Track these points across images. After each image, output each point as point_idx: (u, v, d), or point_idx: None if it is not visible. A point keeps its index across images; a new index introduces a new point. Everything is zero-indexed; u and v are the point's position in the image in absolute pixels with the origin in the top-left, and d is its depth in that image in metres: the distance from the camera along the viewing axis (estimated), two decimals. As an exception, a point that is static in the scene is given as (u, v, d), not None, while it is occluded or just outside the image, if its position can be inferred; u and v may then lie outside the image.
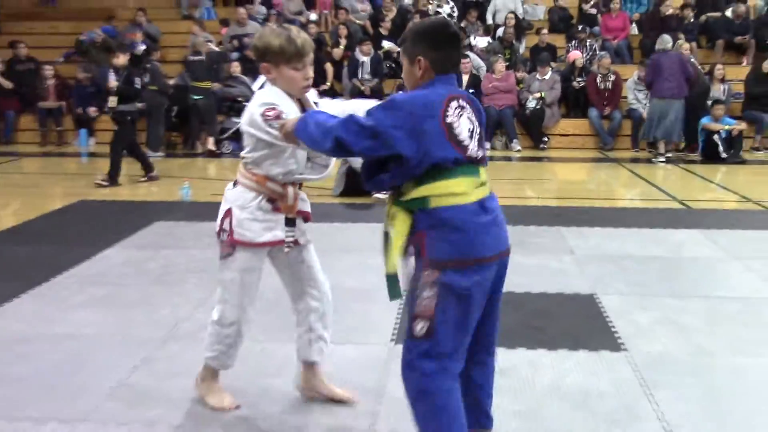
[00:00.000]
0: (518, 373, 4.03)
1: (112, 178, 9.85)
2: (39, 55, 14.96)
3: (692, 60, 12.62)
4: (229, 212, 3.30)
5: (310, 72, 3.27)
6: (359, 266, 5.99)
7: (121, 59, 10.08)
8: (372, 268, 5.94)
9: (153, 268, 5.94)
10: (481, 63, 14.12)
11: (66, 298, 5.23)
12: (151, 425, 3.44)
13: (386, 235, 2.92)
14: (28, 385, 3.85)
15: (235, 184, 3.36)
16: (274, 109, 3.15)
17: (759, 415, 3.60)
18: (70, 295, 5.28)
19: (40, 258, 6.23)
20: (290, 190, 3.34)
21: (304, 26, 15.31)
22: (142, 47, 14.47)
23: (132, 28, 15.32)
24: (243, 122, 3.26)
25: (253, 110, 3.21)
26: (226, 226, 3.31)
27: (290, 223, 3.36)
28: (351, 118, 2.76)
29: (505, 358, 4.21)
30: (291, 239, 3.36)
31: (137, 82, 10.04)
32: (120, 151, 9.97)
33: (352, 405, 3.62)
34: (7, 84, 14.16)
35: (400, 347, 4.29)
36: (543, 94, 13.40)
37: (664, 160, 12.26)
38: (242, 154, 3.33)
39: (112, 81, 9.90)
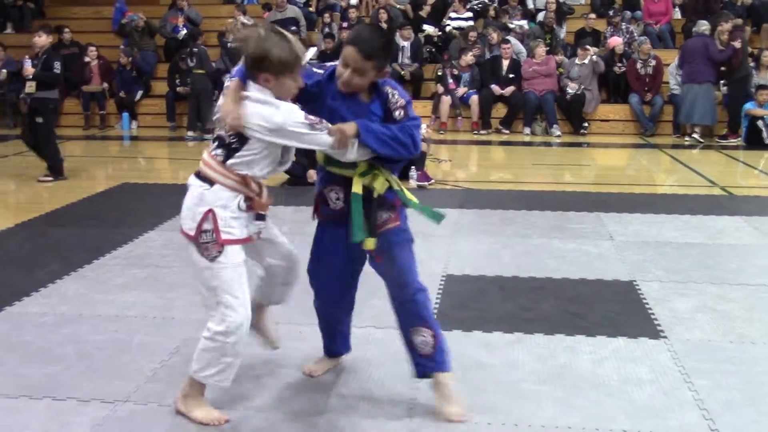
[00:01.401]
0: (556, 360, 4.03)
1: (56, 170, 9.17)
2: (82, 40, 15.11)
3: (733, 43, 12.43)
4: (209, 213, 3.19)
5: (301, 80, 3.24)
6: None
7: (42, 40, 9.10)
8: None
9: (194, 251, 5.99)
10: (521, 48, 14.03)
11: (108, 279, 5.31)
12: (191, 406, 3.49)
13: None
14: (71, 366, 3.92)
15: (205, 181, 3.26)
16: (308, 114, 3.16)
17: (800, 404, 3.57)
18: (113, 277, 5.36)
19: (83, 240, 6.32)
20: (264, 188, 3.35)
21: (344, 11, 15.35)
22: (183, 31, 14.62)
23: (173, 12, 15.42)
24: (252, 126, 3.13)
25: (274, 114, 3.12)
26: (208, 226, 3.19)
27: (261, 217, 3.36)
28: (406, 124, 3.30)
29: (543, 345, 4.22)
30: (258, 232, 3.37)
31: (57, 67, 8.98)
32: (52, 143, 9.23)
33: (390, 390, 3.63)
34: (52, 68, 14.33)
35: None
36: (582, 88, 13.30)
37: (689, 141, 12.42)
38: (233, 157, 3.20)
39: (28, 67, 8.92)
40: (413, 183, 8.66)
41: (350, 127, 3.19)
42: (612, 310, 4.78)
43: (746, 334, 4.39)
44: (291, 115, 3.13)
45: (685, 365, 3.95)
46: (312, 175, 8.51)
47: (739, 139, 12.52)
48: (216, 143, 3.25)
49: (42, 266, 5.56)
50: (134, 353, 4.07)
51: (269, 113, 3.11)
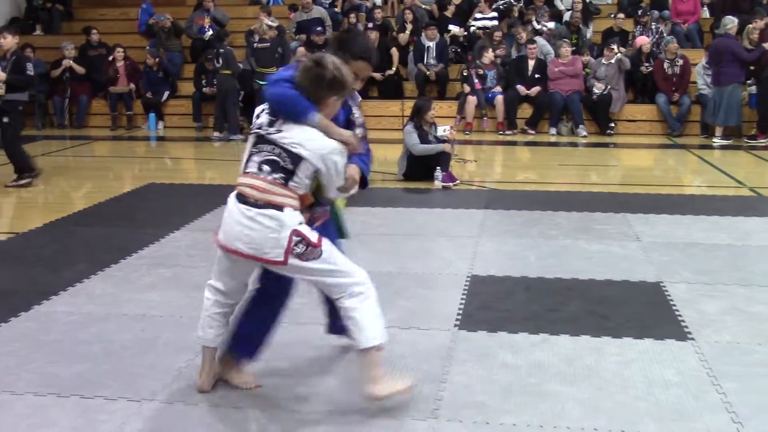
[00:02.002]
0: (582, 361, 4.01)
1: (26, 170, 8.88)
2: (109, 41, 15.22)
3: (765, 45, 12.33)
4: (294, 233, 3.29)
5: None
6: (422, 251, 6.01)
7: (8, 42, 8.63)
8: (435, 253, 5.97)
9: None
10: (549, 48, 13.97)
11: (135, 279, 5.35)
12: (216, 406, 3.51)
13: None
14: (99, 364, 3.95)
15: (270, 207, 3.33)
16: None
17: (830, 407, 3.53)
18: (140, 277, 5.39)
19: (110, 240, 6.37)
20: None
21: (370, 11, 15.35)
22: (210, 32, 14.68)
23: (199, 13, 15.49)
24: (315, 159, 3.32)
25: (331, 154, 3.35)
26: (298, 243, 3.30)
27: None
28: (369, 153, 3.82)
29: (569, 346, 4.20)
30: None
31: (29, 68, 8.70)
32: (18, 143, 8.90)
33: (415, 390, 3.63)
34: (80, 69, 14.45)
35: (463, 333, 4.33)
36: (608, 88, 13.23)
37: (718, 143, 12.36)
38: (292, 180, 3.33)
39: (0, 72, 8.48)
40: (438, 184, 8.65)
41: (356, 171, 3.56)
42: (638, 311, 4.75)
43: (775, 336, 4.35)
44: (340, 157, 3.41)
45: (713, 368, 3.91)
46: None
47: (768, 139, 12.41)
48: (269, 167, 3.35)
49: (69, 266, 5.61)
50: (160, 352, 4.10)
51: (331, 152, 3.37)
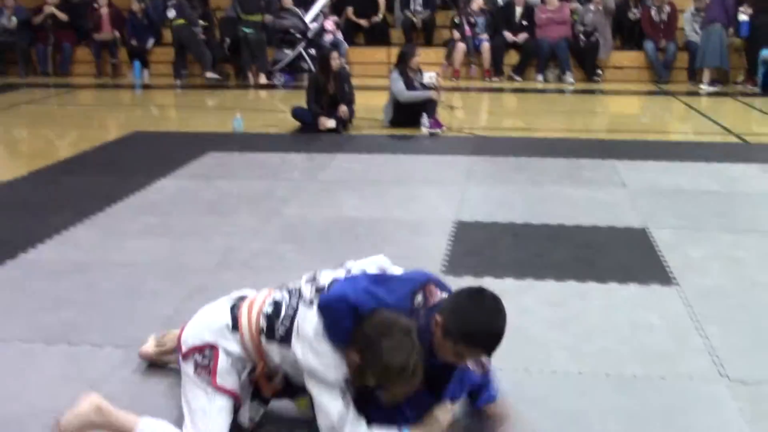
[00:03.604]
0: (567, 306, 4.03)
1: None
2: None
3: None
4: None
5: None
6: (408, 197, 6.01)
7: None
8: (421, 199, 5.97)
9: (206, 198, 6.02)
10: (537, -6, 13.86)
11: (121, 227, 5.33)
12: (204, 351, 3.52)
13: None
14: (85, 311, 3.95)
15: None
16: None
17: (811, 350, 3.58)
18: (125, 225, 5.38)
19: (95, 188, 6.33)
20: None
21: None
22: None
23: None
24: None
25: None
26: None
27: None
28: None
29: (554, 291, 4.23)
30: None
31: None
32: None
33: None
34: (63, 16, 14.22)
35: (450, 278, 4.33)
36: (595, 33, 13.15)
37: (705, 89, 12.30)
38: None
39: None
40: (425, 130, 8.62)
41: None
42: (624, 257, 4.77)
43: (758, 281, 4.38)
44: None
45: (696, 312, 3.95)
46: (324, 122, 8.49)
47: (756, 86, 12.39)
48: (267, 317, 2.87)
49: (55, 214, 5.58)
50: (147, 300, 4.10)
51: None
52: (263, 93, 12.39)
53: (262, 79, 12.88)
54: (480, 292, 2.72)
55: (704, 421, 2.96)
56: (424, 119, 8.66)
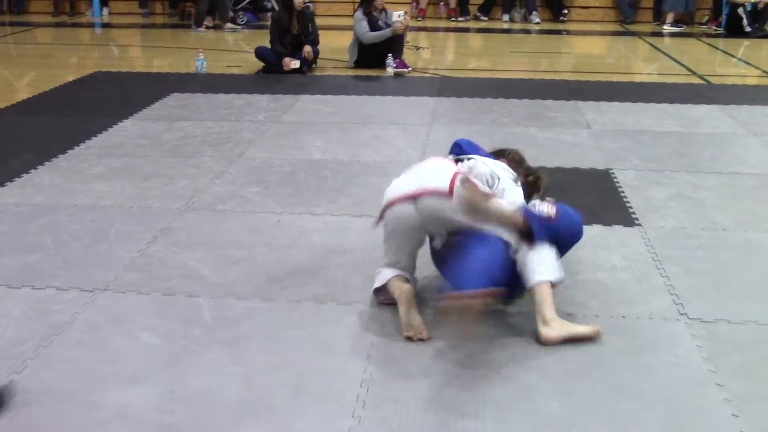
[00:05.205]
0: (531, 247, 4.06)
1: None
2: None
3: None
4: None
5: None
6: (374, 139, 6.00)
7: None
8: (387, 141, 5.96)
9: (169, 139, 5.96)
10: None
11: (83, 169, 5.28)
12: (170, 294, 3.52)
13: None
14: (49, 255, 3.92)
15: None
16: None
17: (764, 288, 3.64)
18: (88, 167, 5.32)
19: (57, 129, 6.25)
20: None
21: None
22: None
23: None
24: None
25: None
26: None
27: None
28: None
29: (518, 232, 4.25)
30: None
31: None
32: None
33: (368, 277, 3.67)
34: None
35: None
36: None
37: (669, 29, 12.44)
38: None
39: None
40: (390, 71, 8.58)
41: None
42: (588, 198, 4.81)
43: (718, 221, 4.45)
44: None
45: (657, 252, 4.01)
46: (288, 62, 8.41)
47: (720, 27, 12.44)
48: None
49: (15, 156, 5.51)
50: (112, 242, 4.08)
51: None
52: (226, 33, 12.19)
53: (228, 28, 12.35)
54: None
55: (663, 358, 3.02)
56: (390, 60, 8.61)
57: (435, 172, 3.32)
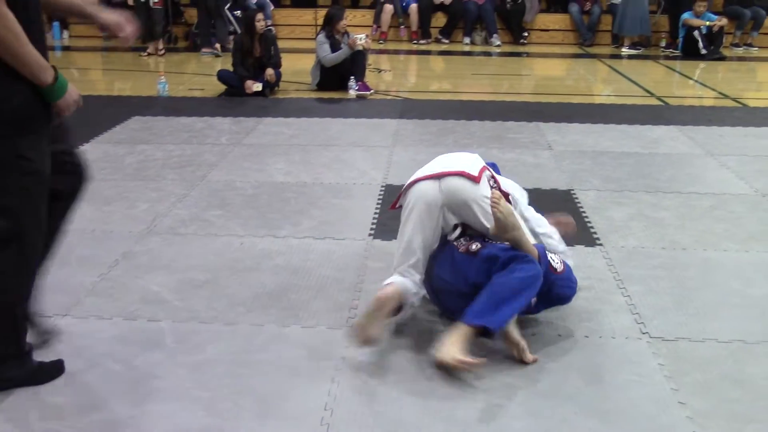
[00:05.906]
0: (494, 267, 4.08)
1: None
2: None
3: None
4: None
5: None
6: (336, 161, 6.00)
7: None
8: (349, 163, 5.97)
9: (131, 162, 5.92)
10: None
11: (44, 193, 5.21)
12: (132, 319, 3.48)
13: None
14: (8, 280, 3.86)
15: None
16: None
17: (723, 306, 3.69)
18: (48, 191, 5.26)
19: (16, 153, 6.17)
20: None
21: None
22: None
23: None
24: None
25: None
26: None
27: None
28: None
29: (481, 253, 4.26)
30: None
31: None
32: None
33: (331, 299, 3.67)
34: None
35: (377, 242, 4.36)
36: None
37: (627, 52, 12.70)
38: None
39: None
40: (353, 93, 8.60)
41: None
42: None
43: (677, 240, 4.50)
44: None
45: (619, 271, 4.04)
46: (250, 85, 8.41)
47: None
48: None
49: (-26, 180, 5.43)
50: (73, 267, 4.03)
51: None
52: (190, 55, 12.16)
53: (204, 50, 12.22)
54: None
55: (626, 377, 3.05)
56: (352, 82, 8.64)
57: (463, 160, 3.41)
